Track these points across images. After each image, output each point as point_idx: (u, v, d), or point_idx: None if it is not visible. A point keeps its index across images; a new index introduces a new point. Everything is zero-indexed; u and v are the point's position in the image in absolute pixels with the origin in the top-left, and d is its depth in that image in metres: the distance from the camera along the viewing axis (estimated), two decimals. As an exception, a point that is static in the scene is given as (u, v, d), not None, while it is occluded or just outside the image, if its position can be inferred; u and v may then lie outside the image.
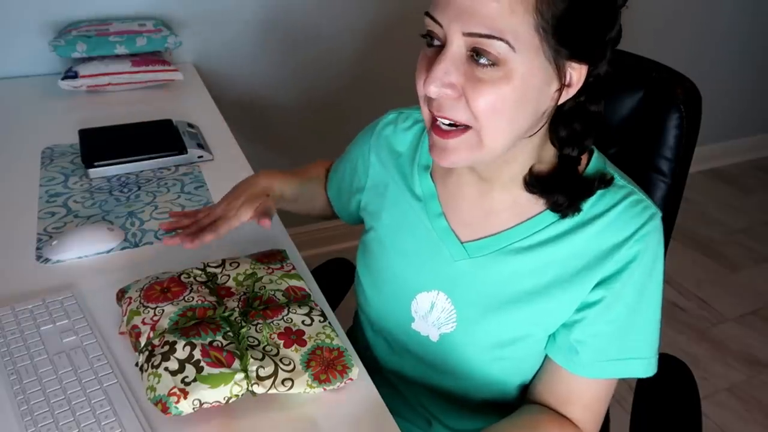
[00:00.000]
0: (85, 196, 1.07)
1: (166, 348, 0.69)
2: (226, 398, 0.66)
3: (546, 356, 0.76)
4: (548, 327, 0.73)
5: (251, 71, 1.79)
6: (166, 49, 1.52)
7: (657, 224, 0.70)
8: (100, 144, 1.19)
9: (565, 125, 0.67)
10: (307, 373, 0.70)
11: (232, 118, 1.45)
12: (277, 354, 0.71)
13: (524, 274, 0.72)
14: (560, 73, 0.61)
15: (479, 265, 0.74)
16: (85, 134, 1.22)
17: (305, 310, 0.78)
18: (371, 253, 0.84)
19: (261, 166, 1.05)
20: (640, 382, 0.89)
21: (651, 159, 0.86)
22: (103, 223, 0.98)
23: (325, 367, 0.71)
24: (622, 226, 0.69)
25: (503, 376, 0.78)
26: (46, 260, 0.91)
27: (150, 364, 0.68)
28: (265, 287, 0.81)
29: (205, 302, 0.76)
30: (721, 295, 2.16)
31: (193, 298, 0.77)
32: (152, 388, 0.66)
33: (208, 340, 0.70)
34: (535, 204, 0.72)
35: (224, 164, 1.20)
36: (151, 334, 0.72)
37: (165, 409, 0.64)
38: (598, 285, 0.70)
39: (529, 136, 0.66)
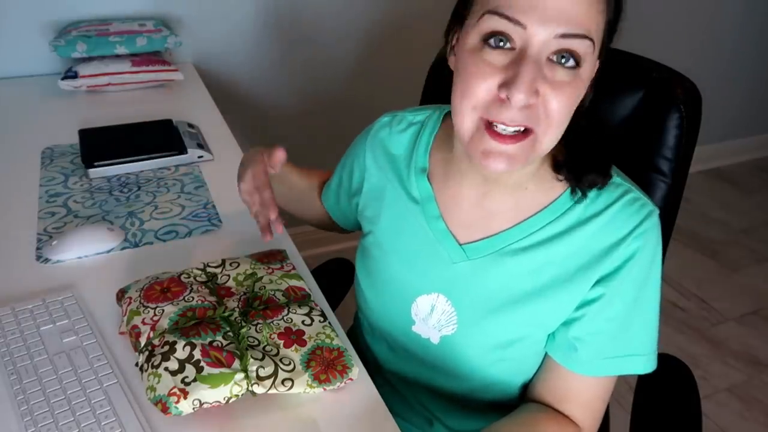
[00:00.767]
0: (85, 196, 1.07)
1: (166, 348, 0.69)
2: (226, 398, 0.66)
3: (545, 354, 0.76)
4: (548, 326, 0.73)
5: (251, 71, 1.79)
6: (166, 49, 1.52)
7: (655, 221, 0.70)
8: (100, 144, 1.19)
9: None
10: (307, 373, 0.70)
11: (232, 118, 1.45)
12: (277, 354, 0.71)
13: (523, 275, 0.72)
14: (597, 71, 0.64)
15: (478, 266, 0.74)
16: (85, 134, 1.22)
17: (305, 310, 0.78)
18: (370, 256, 0.84)
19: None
20: (640, 381, 0.89)
21: (651, 159, 0.86)
22: (103, 223, 0.98)
23: (325, 367, 0.71)
24: (619, 224, 0.69)
25: (504, 377, 0.78)
26: (46, 260, 0.91)
27: (150, 364, 0.68)
28: (265, 287, 0.81)
29: (205, 302, 0.76)
30: (721, 295, 2.16)
31: (193, 298, 0.77)
32: (152, 388, 0.66)
33: (208, 340, 0.70)
34: (533, 204, 0.72)
35: (224, 164, 1.20)
36: (151, 334, 0.72)
37: (165, 409, 0.64)
38: (597, 283, 0.70)
39: None
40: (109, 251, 0.94)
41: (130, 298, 0.78)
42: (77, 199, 1.06)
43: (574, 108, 0.62)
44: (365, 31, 1.88)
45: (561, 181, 0.72)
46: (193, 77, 1.59)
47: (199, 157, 1.20)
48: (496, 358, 0.75)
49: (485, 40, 0.60)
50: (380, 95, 1.98)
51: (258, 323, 0.74)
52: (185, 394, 0.65)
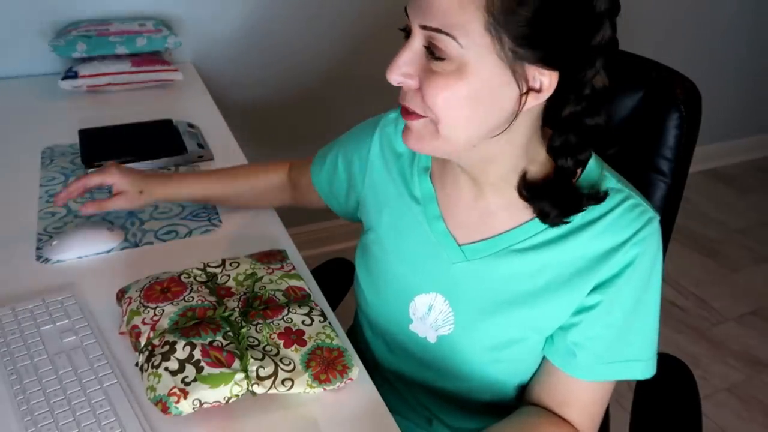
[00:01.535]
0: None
1: (166, 348, 0.69)
2: (226, 398, 0.66)
3: (544, 358, 0.76)
4: (544, 330, 0.73)
5: (251, 71, 1.79)
6: (166, 49, 1.52)
7: (655, 228, 0.69)
8: (100, 144, 1.19)
9: (560, 134, 0.66)
10: (307, 373, 0.70)
11: (232, 118, 1.45)
12: (277, 354, 0.71)
13: (521, 277, 0.72)
14: (517, 77, 0.60)
15: (476, 267, 0.74)
16: (85, 134, 1.22)
17: (305, 310, 0.78)
18: (370, 254, 0.84)
19: (262, 165, 1.05)
20: (640, 381, 0.89)
21: (651, 159, 0.86)
22: (103, 223, 0.98)
23: (325, 367, 0.71)
24: (618, 230, 0.68)
25: (501, 377, 0.78)
26: (46, 260, 0.91)
27: (150, 364, 0.68)
28: (265, 287, 0.81)
29: (205, 302, 0.76)
30: (720, 295, 2.16)
31: (193, 298, 0.77)
32: (152, 388, 0.66)
33: (208, 340, 0.70)
34: (530, 207, 0.71)
35: (224, 164, 1.19)
36: (151, 334, 0.72)
37: (165, 409, 0.64)
38: (594, 289, 0.69)
39: (497, 135, 0.64)
40: (109, 251, 0.94)
41: (130, 298, 0.78)
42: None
43: (473, 104, 0.61)
44: (366, 30, 1.88)
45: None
46: (193, 77, 1.59)
47: (199, 157, 1.20)
48: (492, 358, 0.75)
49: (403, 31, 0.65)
50: (380, 94, 1.98)
51: (258, 323, 0.74)
52: (185, 394, 0.65)
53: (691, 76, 0.86)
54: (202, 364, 0.67)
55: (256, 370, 0.68)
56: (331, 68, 1.90)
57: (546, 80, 0.61)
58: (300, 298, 0.81)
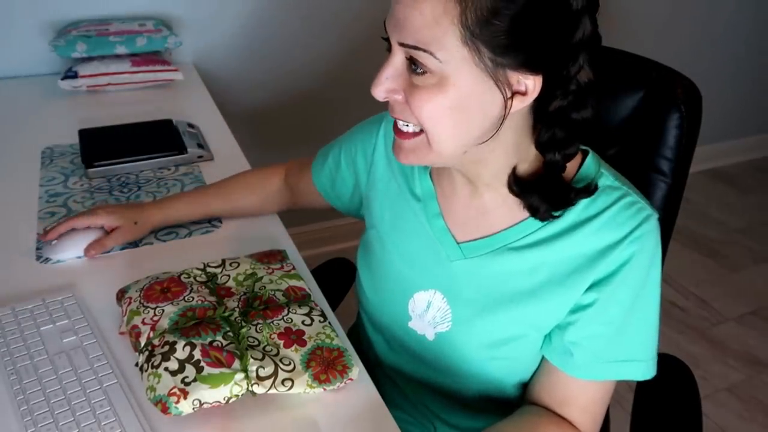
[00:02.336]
0: (85, 196, 1.07)
1: (166, 348, 0.69)
2: (226, 398, 0.66)
3: (543, 357, 0.76)
4: (542, 327, 0.73)
5: (251, 71, 1.79)
6: (166, 49, 1.52)
7: (653, 226, 0.69)
8: (100, 144, 1.19)
9: (547, 129, 0.66)
10: (307, 373, 0.70)
11: (232, 118, 1.45)
12: (277, 354, 0.71)
13: (518, 275, 0.72)
14: (500, 84, 0.60)
15: (474, 265, 0.74)
16: (85, 134, 1.22)
17: (305, 310, 0.78)
18: (371, 251, 0.84)
19: (261, 165, 1.05)
20: (640, 382, 0.89)
21: (651, 159, 0.86)
22: (103, 223, 0.98)
23: (325, 367, 0.71)
24: (615, 227, 0.68)
25: (499, 375, 0.78)
26: (46, 260, 0.91)
27: (150, 364, 0.68)
28: (265, 287, 0.81)
29: (205, 302, 0.76)
30: (720, 295, 2.16)
31: (193, 298, 0.77)
32: (152, 388, 0.66)
33: (208, 340, 0.70)
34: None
35: (224, 164, 1.20)
36: (151, 334, 0.72)
37: (165, 409, 0.64)
38: (590, 287, 0.69)
39: (486, 141, 0.65)
40: (109, 251, 0.94)
41: (130, 298, 0.78)
42: (77, 199, 1.06)
43: (459, 114, 0.61)
44: (366, 30, 1.88)
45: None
46: (193, 77, 1.59)
47: (199, 157, 1.20)
48: (490, 356, 0.75)
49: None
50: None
51: (258, 323, 0.74)
52: (185, 394, 0.65)
53: (691, 76, 0.86)
54: (202, 364, 0.67)
55: (256, 370, 0.68)
56: (330, 68, 1.90)
57: (530, 83, 0.61)
58: (300, 298, 0.81)
